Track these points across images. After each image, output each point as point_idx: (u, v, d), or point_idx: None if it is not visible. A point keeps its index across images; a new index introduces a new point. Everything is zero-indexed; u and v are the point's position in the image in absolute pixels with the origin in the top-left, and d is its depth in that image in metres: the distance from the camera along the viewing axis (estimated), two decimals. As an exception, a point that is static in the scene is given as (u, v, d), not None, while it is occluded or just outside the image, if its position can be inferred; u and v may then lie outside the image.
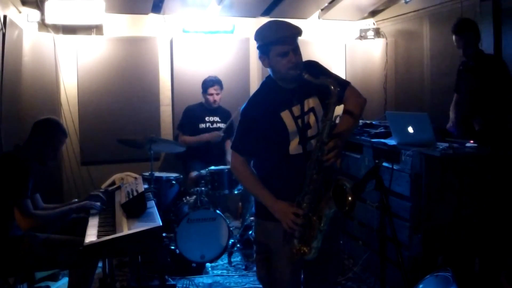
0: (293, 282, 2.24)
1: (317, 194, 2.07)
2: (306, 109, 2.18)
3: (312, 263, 2.16)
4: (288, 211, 2.08)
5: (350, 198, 1.97)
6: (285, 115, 2.17)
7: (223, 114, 4.88)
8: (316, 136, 2.14)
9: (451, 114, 3.97)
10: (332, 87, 2.04)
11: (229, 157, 4.71)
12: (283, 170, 2.19)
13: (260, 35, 2.16)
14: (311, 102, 2.19)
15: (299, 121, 2.17)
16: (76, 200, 3.33)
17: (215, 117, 4.83)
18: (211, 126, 4.80)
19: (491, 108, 3.54)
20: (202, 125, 4.78)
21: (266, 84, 2.26)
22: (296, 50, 2.12)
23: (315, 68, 2.21)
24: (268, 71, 2.24)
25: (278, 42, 2.09)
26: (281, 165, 2.20)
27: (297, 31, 2.11)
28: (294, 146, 2.17)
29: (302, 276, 2.32)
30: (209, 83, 4.73)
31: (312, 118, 2.18)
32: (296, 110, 2.17)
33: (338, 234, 2.37)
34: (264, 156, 2.23)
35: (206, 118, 4.80)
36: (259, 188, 2.19)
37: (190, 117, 4.81)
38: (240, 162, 2.24)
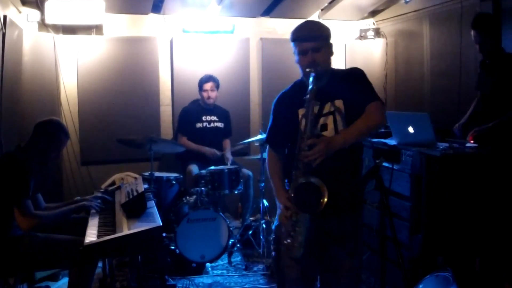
0: (298, 277, 2.24)
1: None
2: (325, 110, 2.19)
3: (328, 264, 2.21)
4: (282, 202, 2.15)
5: (324, 199, 1.95)
6: (301, 112, 2.19)
7: (221, 113, 4.89)
8: None
9: (468, 112, 3.78)
10: (314, 87, 2.07)
11: (228, 154, 4.72)
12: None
13: (292, 32, 2.25)
14: (334, 105, 2.19)
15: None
16: (79, 198, 3.33)
17: (212, 116, 4.83)
18: (208, 126, 4.80)
19: (505, 109, 3.37)
20: (199, 125, 4.78)
21: (297, 81, 2.34)
22: (316, 49, 2.17)
23: (352, 75, 2.24)
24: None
25: (298, 40, 2.20)
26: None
27: (319, 33, 2.19)
28: None
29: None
30: (203, 79, 4.76)
31: (330, 120, 2.19)
32: (316, 110, 2.18)
33: (358, 248, 2.31)
34: (288, 151, 2.30)
35: (203, 117, 4.80)
36: (274, 174, 2.30)
37: (187, 117, 4.82)
38: (270, 154, 2.37)
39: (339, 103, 2.19)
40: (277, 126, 2.33)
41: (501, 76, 3.41)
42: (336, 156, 2.08)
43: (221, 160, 4.67)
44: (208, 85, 4.73)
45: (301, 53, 2.20)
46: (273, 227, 2.39)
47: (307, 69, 2.15)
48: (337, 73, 2.28)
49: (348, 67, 5.95)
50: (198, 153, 4.69)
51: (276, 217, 2.35)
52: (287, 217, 2.09)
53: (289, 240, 2.08)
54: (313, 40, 2.18)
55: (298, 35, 2.20)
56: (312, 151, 2.01)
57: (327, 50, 2.22)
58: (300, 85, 2.28)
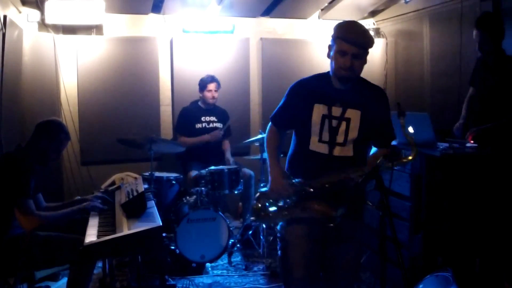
0: (305, 275, 2.26)
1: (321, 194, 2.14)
2: (345, 115, 2.21)
3: (330, 262, 2.28)
4: (278, 181, 2.24)
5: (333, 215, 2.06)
6: (317, 108, 2.21)
7: (220, 114, 4.88)
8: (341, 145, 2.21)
9: (463, 111, 3.81)
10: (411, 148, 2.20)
11: (228, 156, 4.72)
12: (302, 162, 2.28)
13: (337, 27, 2.21)
14: (351, 113, 2.21)
15: (327, 121, 2.20)
16: (79, 197, 3.32)
17: (211, 117, 4.82)
18: (207, 126, 4.80)
19: (505, 111, 3.38)
20: (199, 125, 4.78)
21: (322, 75, 2.32)
22: (357, 56, 2.15)
23: (380, 97, 2.30)
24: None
25: (343, 39, 2.15)
26: (301, 157, 2.29)
27: (366, 41, 2.16)
28: (314, 142, 2.22)
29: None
30: (208, 79, 4.74)
31: (343, 127, 2.20)
32: (335, 111, 2.20)
33: (358, 236, 2.38)
34: (295, 141, 2.35)
35: (202, 118, 4.80)
36: (271, 152, 2.35)
37: (186, 117, 4.81)
38: (272, 130, 2.40)
39: (356, 112, 2.21)
40: (288, 112, 2.32)
41: (503, 79, 3.39)
42: (344, 158, 2.19)
43: (222, 160, 4.67)
44: (212, 85, 4.73)
45: (341, 53, 2.15)
46: (278, 227, 2.40)
47: (343, 73, 2.15)
48: (364, 84, 2.29)
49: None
50: (199, 153, 4.69)
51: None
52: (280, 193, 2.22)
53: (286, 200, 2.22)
54: (359, 47, 2.15)
55: (348, 36, 2.14)
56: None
57: (365, 59, 2.22)
58: (323, 80, 2.27)
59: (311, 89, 2.27)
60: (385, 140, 2.32)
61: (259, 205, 2.28)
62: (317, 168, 2.20)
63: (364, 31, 2.19)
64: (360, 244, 2.46)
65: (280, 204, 2.24)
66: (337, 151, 2.20)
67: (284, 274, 2.37)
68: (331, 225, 2.12)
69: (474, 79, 3.72)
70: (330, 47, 2.23)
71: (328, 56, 2.24)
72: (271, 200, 2.26)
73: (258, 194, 2.36)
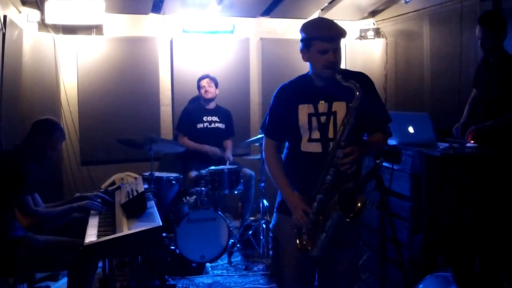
0: (297, 277, 2.25)
1: (328, 195, 2.08)
2: (332, 109, 2.18)
3: (327, 264, 2.22)
4: (300, 206, 2.12)
5: (359, 205, 1.96)
6: (302, 108, 2.19)
7: (222, 113, 4.88)
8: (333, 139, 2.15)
9: (465, 111, 3.78)
10: (357, 92, 2.04)
11: (228, 154, 4.72)
12: (296, 165, 2.24)
13: (306, 29, 2.18)
14: (337, 106, 2.19)
15: (314, 118, 2.17)
16: (78, 194, 3.33)
17: (213, 117, 4.83)
18: (209, 126, 4.80)
19: (505, 110, 3.36)
20: (200, 125, 4.78)
21: (302, 76, 2.29)
22: (336, 51, 2.13)
23: (363, 83, 2.16)
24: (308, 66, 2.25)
25: (321, 39, 2.11)
26: (294, 160, 2.25)
27: (342, 33, 2.13)
28: (304, 143, 2.19)
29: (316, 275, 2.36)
30: (200, 77, 4.81)
31: (332, 122, 2.18)
32: (321, 107, 2.18)
33: (357, 241, 2.37)
34: (286, 145, 2.30)
35: (204, 118, 4.80)
36: (279, 176, 2.24)
37: (188, 117, 4.82)
38: (270, 147, 2.30)
39: (342, 104, 2.17)
40: (279, 119, 2.27)
41: (505, 77, 3.38)
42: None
43: (222, 160, 4.67)
44: (204, 81, 4.78)
45: (321, 52, 2.11)
46: (270, 226, 2.40)
47: (338, 77, 2.08)
48: (345, 74, 2.20)
49: (348, 67, 5.99)
50: (199, 153, 4.69)
51: (274, 215, 2.36)
52: (305, 221, 2.10)
53: (305, 238, 2.11)
54: (338, 40, 2.12)
55: (325, 34, 2.10)
56: (348, 159, 2.02)
57: (341, 50, 2.18)
58: (304, 80, 2.25)
59: (293, 91, 2.24)
60: (379, 122, 2.26)
61: (317, 244, 2.11)
62: (310, 168, 2.16)
63: (333, 23, 2.17)
64: (360, 247, 2.44)
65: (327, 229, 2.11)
66: (331, 147, 2.16)
67: (277, 274, 2.36)
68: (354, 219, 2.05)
69: (477, 81, 3.70)
70: (303, 51, 2.18)
71: (305, 59, 2.20)
72: (303, 230, 2.14)
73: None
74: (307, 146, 2.19)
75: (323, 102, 2.18)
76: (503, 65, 3.41)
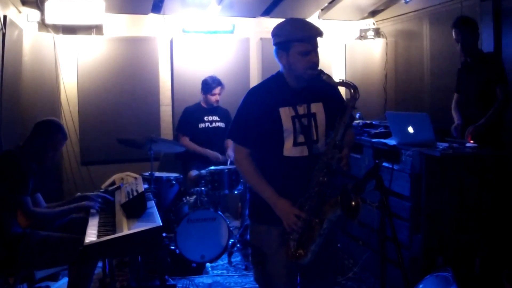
0: (288, 284, 2.22)
1: (321, 197, 2.05)
2: (311, 111, 2.16)
3: (309, 264, 2.14)
4: (290, 212, 2.06)
5: (353, 203, 1.96)
6: (284, 111, 2.13)
7: (222, 113, 4.89)
8: (326, 140, 2.14)
9: (454, 115, 3.88)
10: (352, 91, 2.02)
11: (230, 151, 4.72)
12: (276, 171, 2.15)
13: (282, 31, 2.14)
14: (315, 107, 2.17)
15: (297, 121, 2.13)
16: (79, 194, 3.33)
17: (214, 117, 4.83)
18: (210, 126, 4.80)
19: (489, 107, 3.48)
20: (202, 125, 4.79)
21: (274, 78, 2.22)
22: (316, 50, 2.10)
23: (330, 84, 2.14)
24: (281, 68, 2.20)
25: (301, 40, 2.07)
26: (275, 166, 2.15)
27: (320, 32, 2.10)
28: (288, 148, 2.13)
29: (298, 277, 2.31)
30: (213, 84, 4.74)
31: (313, 123, 2.16)
32: (301, 109, 2.14)
33: (335, 234, 2.37)
34: (260, 154, 2.17)
35: (205, 118, 4.80)
36: (262, 184, 2.12)
37: (189, 117, 4.82)
38: (243, 155, 2.16)
39: (319, 105, 2.17)
40: (252, 124, 2.13)
41: (484, 75, 3.54)
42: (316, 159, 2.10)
43: (223, 162, 4.67)
44: (218, 90, 4.75)
45: (303, 53, 2.06)
46: (248, 237, 2.33)
47: (324, 77, 2.04)
48: None
49: (348, 67, 6.01)
50: (200, 154, 4.69)
51: (251, 226, 2.30)
52: (298, 227, 2.05)
53: (300, 251, 2.07)
54: (316, 39, 2.09)
55: (304, 35, 2.06)
56: (345, 158, 2.03)
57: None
58: (278, 82, 2.18)
59: (270, 94, 2.14)
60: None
61: (308, 252, 2.07)
62: (294, 172, 2.11)
63: (309, 23, 2.14)
64: (337, 243, 2.44)
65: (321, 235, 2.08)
66: (315, 149, 2.14)
67: (265, 285, 2.24)
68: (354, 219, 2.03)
69: (460, 85, 3.85)
70: (281, 54, 2.12)
71: (283, 62, 2.14)
72: (297, 237, 2.08)
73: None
74: (291, 151, 2.13)
75: (301, 103, 2.14)
76: (481, 61, 3.62)
